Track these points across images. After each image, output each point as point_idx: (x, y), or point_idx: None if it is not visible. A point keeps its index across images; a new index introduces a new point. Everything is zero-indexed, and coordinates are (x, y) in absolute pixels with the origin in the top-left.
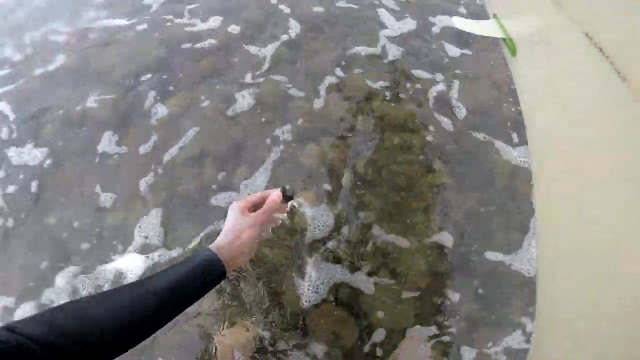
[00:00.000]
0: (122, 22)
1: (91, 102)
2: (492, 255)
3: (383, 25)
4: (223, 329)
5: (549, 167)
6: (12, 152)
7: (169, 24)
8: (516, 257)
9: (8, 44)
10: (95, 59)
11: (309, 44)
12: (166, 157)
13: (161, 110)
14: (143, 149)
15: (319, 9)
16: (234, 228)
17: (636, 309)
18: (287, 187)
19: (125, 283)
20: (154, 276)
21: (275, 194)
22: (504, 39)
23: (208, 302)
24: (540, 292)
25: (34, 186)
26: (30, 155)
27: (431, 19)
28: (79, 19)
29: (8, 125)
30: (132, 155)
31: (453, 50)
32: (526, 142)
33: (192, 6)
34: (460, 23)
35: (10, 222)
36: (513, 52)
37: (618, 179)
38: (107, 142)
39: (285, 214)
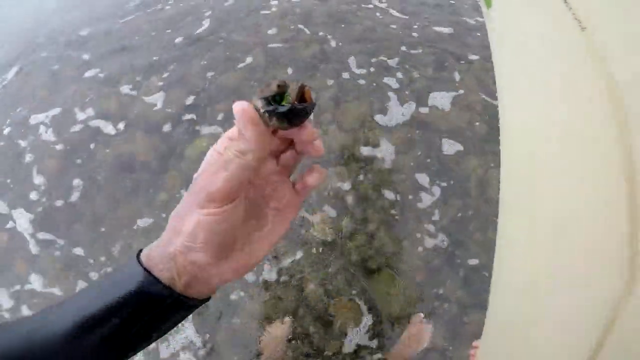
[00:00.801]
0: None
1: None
2: (473, 251)
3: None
4: (266, 323)
5: (515, 120)
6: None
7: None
8: (493, 251)
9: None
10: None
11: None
12: None
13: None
14: None
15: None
16: (175, 212)
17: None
18: (287, 81)
19: None
20: (64, 304)
21: (238, 105)
22: None
23: (248, 300)
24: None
25: None
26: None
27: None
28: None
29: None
30: None
31: None
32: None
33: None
34: None
35: None
36: (488, 2)
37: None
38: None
39: (314, 175)
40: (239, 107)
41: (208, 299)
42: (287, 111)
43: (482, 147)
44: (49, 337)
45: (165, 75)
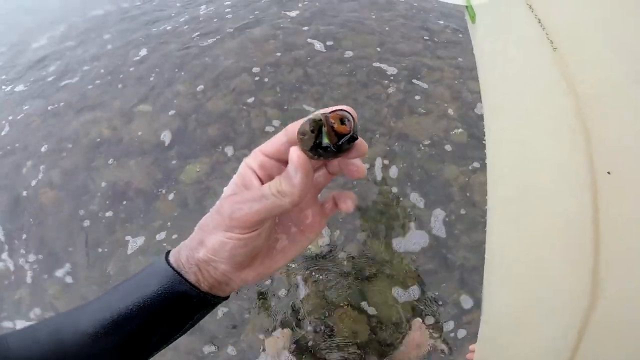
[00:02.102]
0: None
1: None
2: (463, 252)
3: None
4: (267, 336)
5: (501, 137)
6: None
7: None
8: (482, 250)
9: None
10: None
11: None
12: None
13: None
14: None
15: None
16: (202, 223)
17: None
18: (316, 118)
19: None
20: (92, 303)
21: (295, 155)
22: (466, 6)
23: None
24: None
25: None
26: None
27: None
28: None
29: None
30: None
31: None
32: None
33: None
34: None
35: None
36: (472, 18)
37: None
38: None
39: (348, 202)
40: (295, 155)
41: (229, 296)
42: (334, 148)
43: (463, 154)
44: (76, 334)
45: (154, 100)
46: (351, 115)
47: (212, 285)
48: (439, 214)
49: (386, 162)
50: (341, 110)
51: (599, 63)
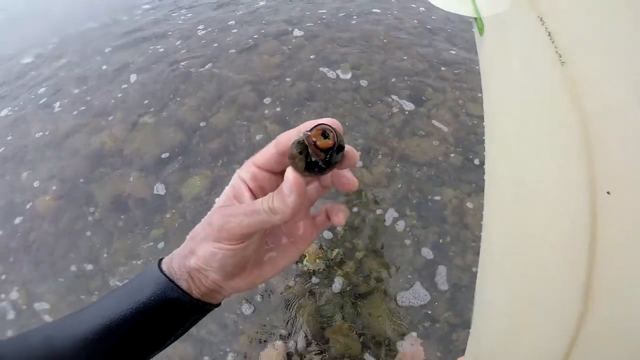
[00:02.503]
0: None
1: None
2: (456, 272)
3: None
4: (261, 349)
5: (503, 143)
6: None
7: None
8: (474, 271)
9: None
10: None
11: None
12: None
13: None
14: None
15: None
16: (193, 232)
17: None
18: (300, 140)
19: None
20: (85, 310)
21: (291, 176)
22: (475, 18)
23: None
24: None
25: None
26: None
27: None
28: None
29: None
30: None
31: None
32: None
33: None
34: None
35: None
36: (481, 30)
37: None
38: None
39: (340, 215)
40: (292, 176)
41: (220, 303)
42: (324, 164)
43: (458, 178)
44: (69, 340)
45: (156, 112)
46: (331, 127)
47: (204, 293)
48: (432, 234)
49: (386, 182)
50: (321, 124)
51: (608, 80)
